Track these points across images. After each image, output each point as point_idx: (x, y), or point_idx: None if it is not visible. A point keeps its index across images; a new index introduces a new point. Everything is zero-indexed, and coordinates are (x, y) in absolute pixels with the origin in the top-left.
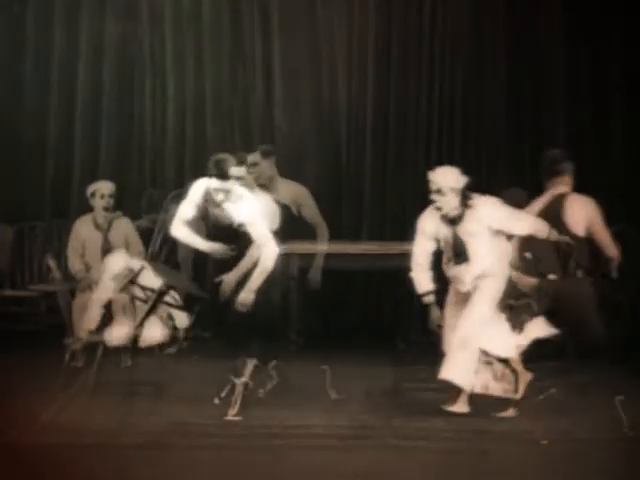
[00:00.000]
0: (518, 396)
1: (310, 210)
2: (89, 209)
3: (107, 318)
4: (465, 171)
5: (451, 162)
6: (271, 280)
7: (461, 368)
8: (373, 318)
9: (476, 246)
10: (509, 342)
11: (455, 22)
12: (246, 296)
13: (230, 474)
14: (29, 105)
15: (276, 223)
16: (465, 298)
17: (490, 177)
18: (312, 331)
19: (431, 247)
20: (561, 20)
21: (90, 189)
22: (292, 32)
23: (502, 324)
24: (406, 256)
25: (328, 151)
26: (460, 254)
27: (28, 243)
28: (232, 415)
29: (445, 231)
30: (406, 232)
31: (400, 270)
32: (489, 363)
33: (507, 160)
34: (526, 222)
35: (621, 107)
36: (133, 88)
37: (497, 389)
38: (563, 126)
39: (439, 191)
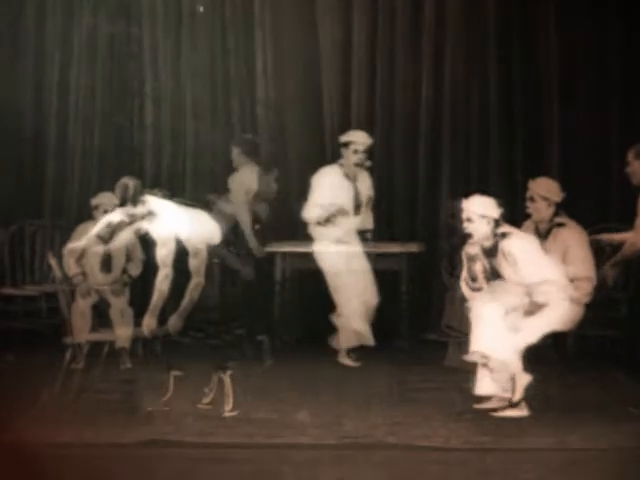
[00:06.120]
0: (515, 398)
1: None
2: (88, 209)
3: (106, 321)
4: (453, 169)
5: (438, 159)
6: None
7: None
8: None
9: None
10: (506, 344)
11: (453, 19)
12: (148, 322)
13: (229, 473)
14: (27, 105)
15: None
16: None
17: (480, 175)
18: (311, 331)
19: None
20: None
21: (93, 202)
22: (279, 28)
23: (500, 326)
24: (406, 256)
25: (312, 148)
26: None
27: (28, 242)
28: (228, 411)
29: (484, 261)
30: (400, 232)
31: (400, 270)
32: (487, 365)
33: (499, 160)
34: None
35: (617, 106)
36: (130, 87)
37: (495, 390)
38: (559, 128)
39: (468, 219)
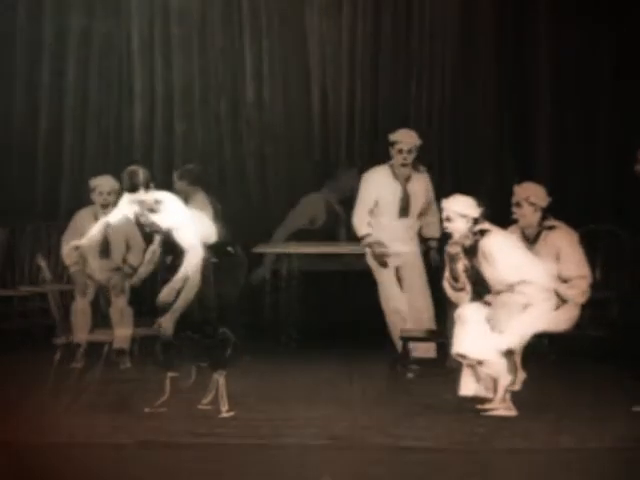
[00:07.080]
0: (497, 398)
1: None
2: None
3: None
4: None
5: (429, 160)
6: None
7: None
8: (371, 318)
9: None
10: (486, 345)
11: (446, 20)
12: (167, 292)
13: (229, 472)
14: (19, 105)
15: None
16: None
17: (475, 174)
18: (310, 331)
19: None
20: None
21: (91, 183)
22: (274, 31)
23: (480, 326)
24: None
25: (303, 149)
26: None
27: (19, 244)
28: (225, 412)
29: (466, 262)
30: None
31: None
32: (472, 365)
33: (491, 159)
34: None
35: (608, 105)
36: (122, 87)
37: (480, 391)
38: (551, 125)
39: (448, 218)
